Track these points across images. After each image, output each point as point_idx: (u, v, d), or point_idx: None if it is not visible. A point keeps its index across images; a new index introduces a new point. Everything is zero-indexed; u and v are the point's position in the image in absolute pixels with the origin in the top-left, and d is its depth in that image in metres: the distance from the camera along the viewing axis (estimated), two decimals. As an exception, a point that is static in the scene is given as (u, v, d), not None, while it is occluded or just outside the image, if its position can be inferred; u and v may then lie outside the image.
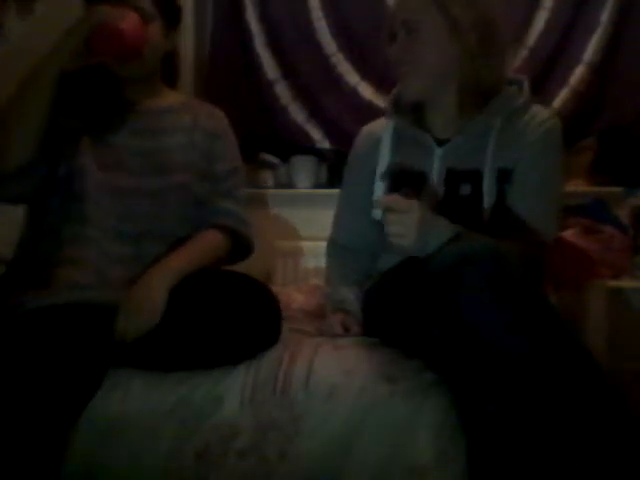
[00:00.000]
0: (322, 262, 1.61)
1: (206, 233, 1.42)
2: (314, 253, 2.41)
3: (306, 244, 2.55)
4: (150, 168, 1.38)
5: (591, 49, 2.58)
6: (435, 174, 1.40)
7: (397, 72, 1.43)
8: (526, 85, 1.43)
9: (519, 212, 1.35)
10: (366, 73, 2.66)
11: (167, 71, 1.49)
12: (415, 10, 1.37)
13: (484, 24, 1.36)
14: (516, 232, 1.33)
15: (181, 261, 1.31)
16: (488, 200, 1.35)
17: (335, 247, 1.58)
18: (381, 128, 1.49)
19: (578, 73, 2.58)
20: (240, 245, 1.48)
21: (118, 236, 1.33)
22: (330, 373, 1.20)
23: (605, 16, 2.56)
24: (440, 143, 1.41)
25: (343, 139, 2.50)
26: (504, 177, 1.37)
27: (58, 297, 1.21)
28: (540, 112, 1.42)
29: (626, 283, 2.24)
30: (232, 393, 1.18)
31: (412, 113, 1.46)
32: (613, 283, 2.19)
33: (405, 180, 1.42)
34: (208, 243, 1.40)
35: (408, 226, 1.17)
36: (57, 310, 1.16)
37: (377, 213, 1.26)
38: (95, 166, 1.33)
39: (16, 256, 1.37)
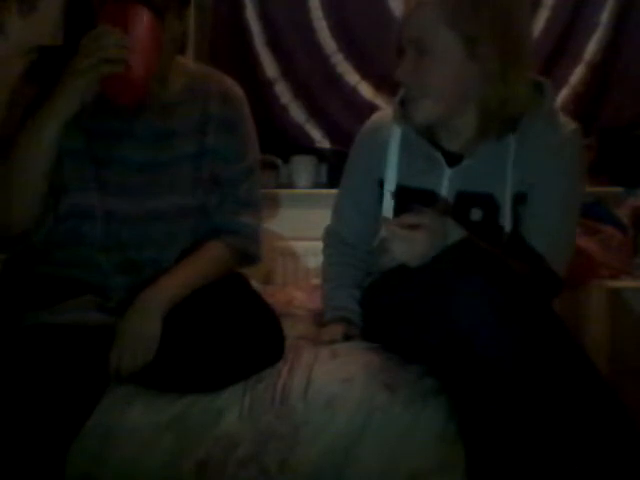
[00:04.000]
0: (321, 261, 1.59)
1: (211, 249, 1.31)
2: (314, 253, 2.40)
3: (306, 244, 2.54)
4: (157, 188, 1.28)
5: (591, 49, 2.58)
6: (444, 195, 1.30)
7: (406, 94, 1.30)
8: (549, 91, 1.28)
9: (532, 242, 1.28)
10: (366, 73, 2.66)
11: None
12: (425, 27, 1.21)
13: (508, 39, 1.19)
14: (530, 261, 1.27)
15: (180, 282, 1.23)
16: (507, 228, 1.27)
17: (335, 238, 1.51)
18: (388, 127, 1.38)
19: (578, 73, 2.59)
20: (247, 257, 1.40)
21: (128, 265, 1.26)
22: (329, 382, 1.19)
23: (605, 16, 2.57)
24: (451, 159, 1.30)
25: (343, 139, 2.50)
26: (519, 199, 1.28)
27: (63, 317, 1.18)
28: (563, 127, 1.28)
29: (626, 283, 2.24)
30: (232, 403, 1.17)
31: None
32: (613, 283, 2.19)
33: (414, 199, 1.33)
34: (212, 260, 1.30)
35: (412, 252, 1.13)
36: (61, 329, 1.14)
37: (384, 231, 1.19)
38: (99, 199, 1.24)
39: (13, 260, 1.32)
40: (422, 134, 1.32)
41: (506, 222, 1.27)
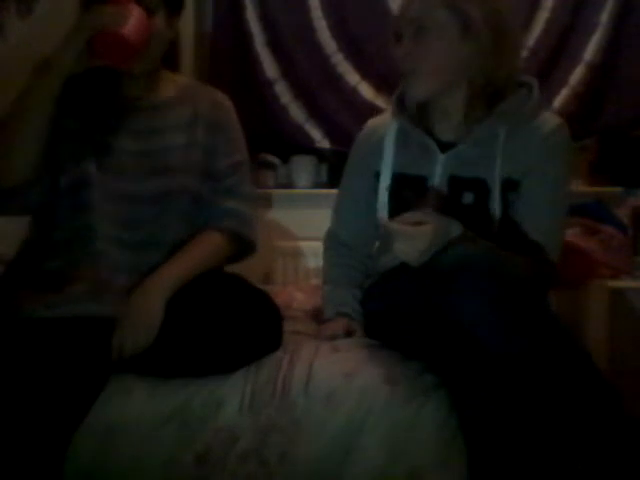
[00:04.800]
0: (322, 261, 1.60)
1: (207, 236, 1.37)
2: (314, 253, 2.42)
3: (306, 244, 2.55)
4: (152, 171, 1.34)
5: (591, 49, 2.59)
6: (437, 180, 1.36)
7: (403, 73, 1.37)
8: (536, 89, 1.36)
9: (527, 230, 1.32)
10: (366, 73, 2.66)
11: (168, 56, 1.41)
12: (424, 8, 1.30)
13: (497, 20, 1.29)
14: (524, 249, 1.30)
15: (179, 269, 1.27)
16: (497, 213, 1.32)
17: (335, 241, 1.54)
18: (385, 125, 1.45)
19: (578, 73, 2.59)
20: (242, 243, 1.47)
21: (123, 245, 1.30)
22: (329, 376, 1.19)
23: (605, 16, 2.57)
24: (444, 147, 1.36)
25: (343, 139, 2.50)
26: (509, 186, 1.33)
27: (60, 310, 1.19)
28: (548, 121, 1.36)
29: (626, 283, 2.25)
30: (232, 397, 1.18)
31: (417, 113, 1.40)
32: (613, 283, 2.19)
33: (408, 186, 1.39)
34: (209, 247, 1.35)
35: (414, 250, 1.14)
36: (58, 323, 1.15)
37: (383, 219, 1.22)
38: (98, 173, 1.30)
39: (17, 259, 1.35)
40: (417, 123, 1.39)
41: (496, 206, 1.31)
